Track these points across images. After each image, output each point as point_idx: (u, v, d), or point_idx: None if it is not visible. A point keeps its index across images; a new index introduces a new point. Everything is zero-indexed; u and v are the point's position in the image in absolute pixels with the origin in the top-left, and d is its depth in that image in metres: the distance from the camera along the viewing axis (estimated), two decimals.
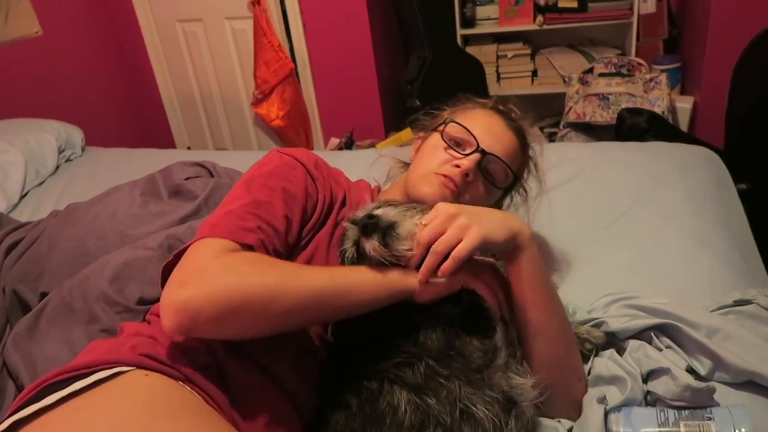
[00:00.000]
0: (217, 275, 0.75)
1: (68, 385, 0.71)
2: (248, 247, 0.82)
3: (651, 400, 0.93)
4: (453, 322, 0.85)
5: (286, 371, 0.87)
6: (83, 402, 0.71)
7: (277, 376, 0.86)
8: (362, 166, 1.33)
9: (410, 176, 1.08)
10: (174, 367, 0.78)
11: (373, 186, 1.17)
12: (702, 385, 0.87)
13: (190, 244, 0.83)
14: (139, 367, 0.76)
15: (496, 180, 1.07)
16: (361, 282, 0.83)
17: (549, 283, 0.92)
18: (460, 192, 1.03)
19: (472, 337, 0.84)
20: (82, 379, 0.72)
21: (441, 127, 1.09)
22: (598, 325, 1.03)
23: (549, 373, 0.89)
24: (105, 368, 0.74)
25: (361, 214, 0.89)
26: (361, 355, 0.86)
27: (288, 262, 0.88)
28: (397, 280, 0.84)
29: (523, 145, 1.14)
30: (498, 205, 1.17)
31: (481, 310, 0.89)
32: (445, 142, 1.06)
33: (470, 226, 0.82)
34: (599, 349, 1.03)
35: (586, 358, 1.01)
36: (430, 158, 1.06)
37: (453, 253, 0.81)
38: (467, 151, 1.04)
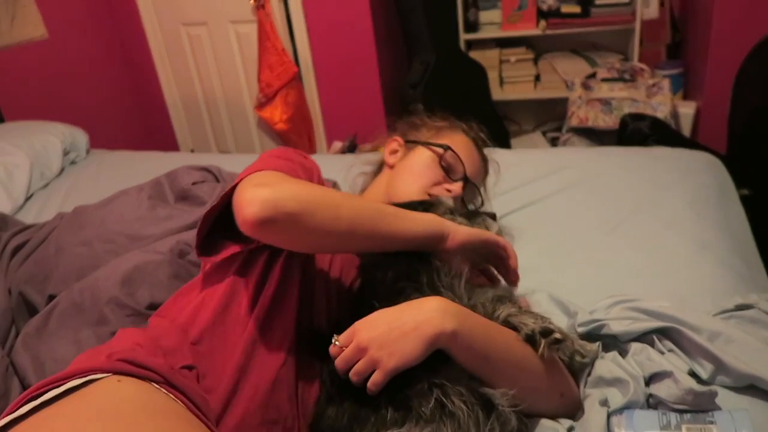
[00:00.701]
0: (291, 183, 0.83)
1: (42, 395, 0.71)
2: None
3: (653, 402, 0.93)
4: None
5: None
6: (51, 412, 0.70)
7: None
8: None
9: (399, 187, 1.18)
10: (150, 369, 0.77)
11: None
12: (704, 388, 0.87)
13: (236, 184, 0.86)
14: (114, 372, 0.75)
15: (467, 198, 1.23)
16: (407, 213, 0.93)
17: (492, 354, 0.85)
18: None
19: None
20: (55, 389, 0.72)
21: (438, 150, 1.21)
22: (599, 328, 1.03)
23: (523, 398, 0.87)
24: (79, 377, 0.73)
25: None
26: None
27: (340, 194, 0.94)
28: (438, 221, 0.96)
29: (486, 169, 1.32)
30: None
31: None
32: (442, 166, 1.19)
33: (380, 360, 0.81)
34: (590, 361, 0.99)
35: (578, 372, 0.98)
36: (422, 176, 1.19)
37: (368, 385, 0.81)
38: (455, 177, 1.20)
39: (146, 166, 2.07)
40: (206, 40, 3.07)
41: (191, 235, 1.23)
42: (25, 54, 2.63)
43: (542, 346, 0.86)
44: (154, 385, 0.76)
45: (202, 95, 3.23)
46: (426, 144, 1.22)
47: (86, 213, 1.37)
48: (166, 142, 3.37)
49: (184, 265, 1.17)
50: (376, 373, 0.81)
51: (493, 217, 1.19)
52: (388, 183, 1.21)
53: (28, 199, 1.98)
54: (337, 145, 3.03)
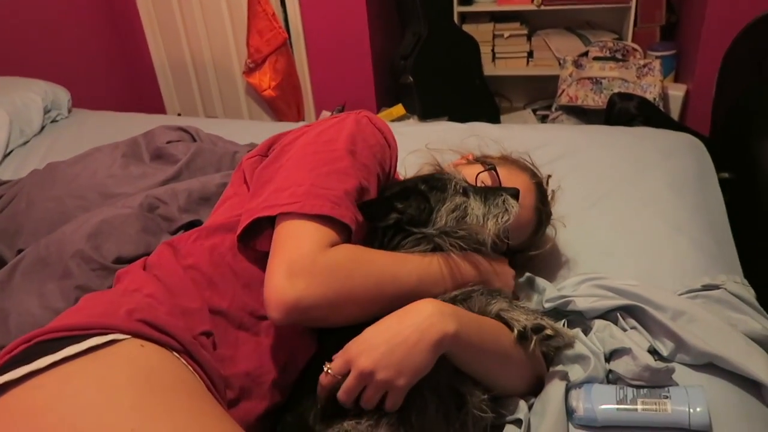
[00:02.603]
0: (328, 274, 0.79)
1: (60, 348, 0.70)
2: (345, 227, 0.85)
3: (613, 378, 0.95)
4: None
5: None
6: (75, 369, 0.69)
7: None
8: None
9: None
10: (171, 335, 0.77)
11: None
12: (661, 365, 0.88)
13: (277, 208, 0.85)
14: (135, 335, 0.74)
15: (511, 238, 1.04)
16: (443, 275, 0.91)
17: (484, 346, 0.85)
18: None
19: None
20: (75, 343, 0.70)
21: (483, 166, 1.07)
22: (565, 304, 1.04)
23: (505, 391, 0.91)
24: (99, 333, 0.72)
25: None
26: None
27: (381, 252, 0.91)
28: (473, 272, 0.94)
29: (538, 229, 1.13)
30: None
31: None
32: (475, 180, 1.04)
33: (391, 381, 0.76)
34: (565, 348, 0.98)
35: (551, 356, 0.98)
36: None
37: (386, 408, 0.78)
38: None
39: (130, 128, 2.03)
40: (195, 1, 3.01)
41: (162, 191, 1.22)
42: (6, 8, 2.56)
43: (533, 342, 0.86)
44: (175, 354, 0.76)
45: (191, 58, 3.17)
46: (479, 160, 1.12)
47: (58, 169, 1.35)
48: (153, 104, 3.32)
49: (154, 219, 1.16)
50: (389, 396, 0.77)
51: (514, 193, 0.98)
52: None
53: (6, 155, 1.95)
54: (326, 114, 3.00)
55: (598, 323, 1.01)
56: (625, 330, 0.99)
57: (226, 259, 0.91)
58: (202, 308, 0.85)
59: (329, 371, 0.79)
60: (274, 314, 0.77)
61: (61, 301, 0.99)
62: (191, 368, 0.76)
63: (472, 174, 1.05)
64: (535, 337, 0.86)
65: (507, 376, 0.89)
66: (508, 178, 1.07)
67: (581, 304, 1.03)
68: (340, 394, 0.78)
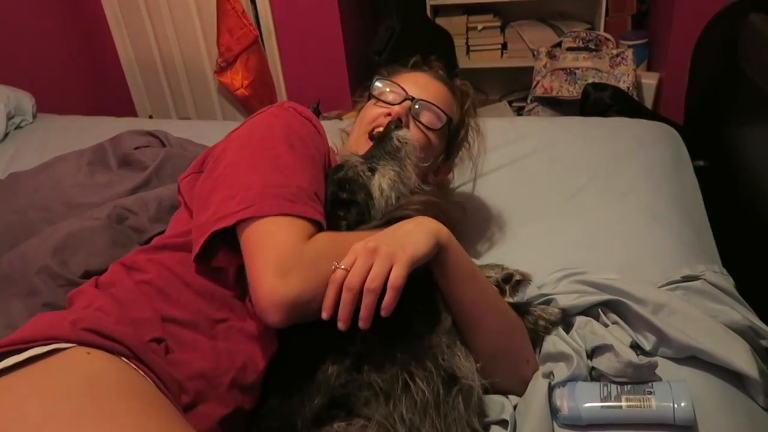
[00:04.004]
0: (317, 264, 0.78)
1: (1, 360, 0.68)
2: (316, 223, 0.84)
3: (595, 375, 0.94)
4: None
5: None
6: (13, 380, 0.67)
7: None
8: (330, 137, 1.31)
9: (350, 141, 1.12)
10: (119, 341, 0.74)
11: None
12: (644, 361, 0.88)
13: (231, 217, 0.82)
14: (81, 343, 0.72)
15: (430, 124, 1.10)
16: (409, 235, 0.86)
17: (477, 275, 0.90)
18: None
19: (414, 301, 0.83)
20: (15, 354, 0.68)
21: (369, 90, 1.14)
22: (547, 302, 1.03)
23: (493, 362, 0.89)
24: (42, 344, 0.70)
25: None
26: (308, 338, 0.85)
27: (357, 233, 0.90)
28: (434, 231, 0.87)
29: (454, 93, 1.17)
30: (448, 162, 1.22)
31: (426, 277, 0.87)
32: (375, 97, 1.11)
33: (395, 253, 0.78)
34: (555, 325, 1.01)
35: (540, 337, 0.99)
36: (363, 119, 1.11)
37: (390, 285, 0.76)
38: (397, 102, 1.09)
39: (98, 133, 1.97)
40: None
41: (131, 201, 1.18)
42: None
43: (507, 290, 0.87)
44: (124, 359, 0.73)
45: (160, 58, 3.11)
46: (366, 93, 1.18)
47: (20, 179, 1.31)
48: (123, 107, 3.24)
49: (123, 230, 1.12)
50: (394, 268, 0.77)
51: (396, 125, 1.03)
52: (346, 145, 1.17)
53: None
54: None
55: (579, 320, 1.00)
56: (606, 326, 0.99)
57: (176, 273, 0.88)
58: (153, 318, 0.83)
59: (342, 266, 0.77)
60: (274, 317, 0.76)
61: (27, 319, 0.93)
62: (141, 372, 0.74)
63: (369, 103, 1.12)
64: (507, 286, 0.91)
65: (499, 330, 0.90)
66: (395, 79, 1.12)
67: (562, 301, 1.02)
68: (352, 274, 0.76)
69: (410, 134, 1.03)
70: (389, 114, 1.07)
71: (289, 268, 0.76)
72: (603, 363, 0.91)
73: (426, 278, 0.86)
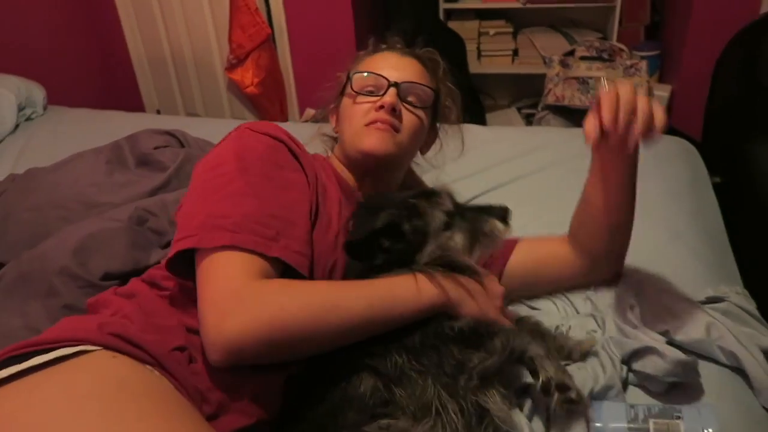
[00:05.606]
0: (255, 308, 0.74)
1: (28, 359, 0.68)
2: (275, 261, 0.80)
3: (638, 381, 0.94)
4: (441, 334, 0.83)
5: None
6: (42, 379, 0.68)
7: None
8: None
9: (345, 141, 1.09)
10: (144, 348, 0.75)
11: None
12: (690, 358, 0.87)
13: (174, 247, 0.81)
14: (107, 347, 0.73)
15: (419, 102, 1.10)
16: (402, 298, 0.83)
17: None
18: (396, 128, 1.05)
19: (452, 344, 0.81)
20: (43, 354, 0.69)
21: (348, 87, 1.10)
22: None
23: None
24: (69, 345, 0.71)
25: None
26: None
27: (322, 282, 0.86)
28: (437, 292, 0.84)
29: (425, 64, 1.16)
30: (434, 131, 1.22)
31: (479, 331, 0.84)
32: (358, 93, 1.07)
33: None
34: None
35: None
36: (353, 116, 1.07)
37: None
38: (382, 92, 1.06)
39: (108, 126, 1.97)
40: None
41: (151, 202, 1.16)
42: None
43: (555, 399, 0.82)
44: (148, 366, 0.74)
45: (170, 53, 3.09)
46: (340, 93, 1.15)
47: (38, 176, 1.29)
48: (131, 101, 3.22)
49: (143, 233, 1.10)
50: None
51: (502, 215, 0.96)
52: (340, 146, 1.14)
53: None
54: (310, 112, 2.95)
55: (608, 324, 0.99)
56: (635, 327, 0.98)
57: (194, 288, 0.86)
58: (177, 326, 0.83)
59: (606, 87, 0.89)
60: (214, 357, 0.74)
61: (46, 321, 0.94)
62: (165, 378, 0.75)
63: (350, 99, 1.08)
64: (557, 395, 0.82)
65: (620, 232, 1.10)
66: (366, 68, 1.10)
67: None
68: (625, 94, 0.87)
69: (504, 233, 0.96)
70: (381, 106, 1.04)
71: (227, 310, 0.74)
72: (648, 366, 0.89)
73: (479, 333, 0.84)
